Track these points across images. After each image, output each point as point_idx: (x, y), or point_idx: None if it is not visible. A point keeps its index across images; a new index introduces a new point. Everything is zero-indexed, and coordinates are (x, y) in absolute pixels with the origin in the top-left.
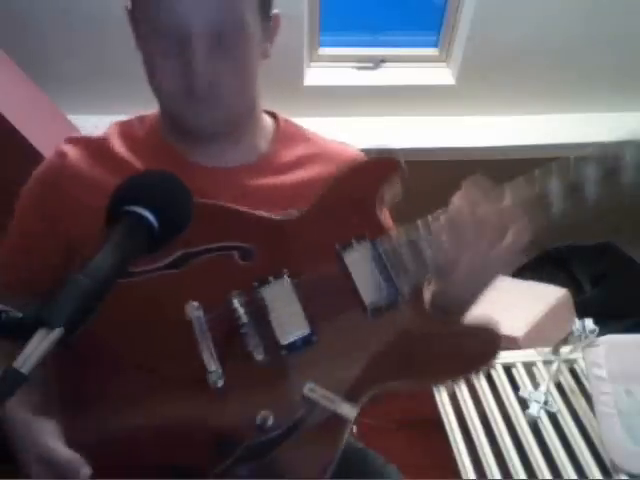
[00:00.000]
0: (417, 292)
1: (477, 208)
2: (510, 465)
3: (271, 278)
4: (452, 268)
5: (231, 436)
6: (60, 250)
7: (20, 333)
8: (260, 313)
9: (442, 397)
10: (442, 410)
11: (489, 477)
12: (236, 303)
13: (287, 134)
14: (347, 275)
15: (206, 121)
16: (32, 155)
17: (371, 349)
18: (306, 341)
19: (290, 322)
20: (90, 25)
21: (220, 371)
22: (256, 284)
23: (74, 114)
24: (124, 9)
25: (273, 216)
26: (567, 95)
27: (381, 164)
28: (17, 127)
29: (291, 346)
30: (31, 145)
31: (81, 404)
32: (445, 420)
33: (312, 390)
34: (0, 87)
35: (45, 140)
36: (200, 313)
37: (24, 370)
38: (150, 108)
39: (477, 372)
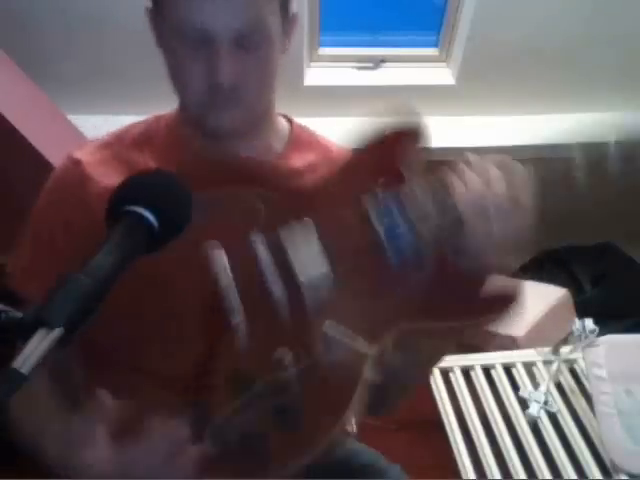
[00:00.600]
0: (438, 239)
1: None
2: (510, 465)
3: (292, 220)
4: (471, 215)
5: (250, 373)
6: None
7: (20, 333)
8: (280, 252)
9: (442, 397)
10: (442, 410)
11: (489, 477)
12: (255, 243)
13: (300, 139)
14: (369, 221)
15: (226, 121)
16: (32, 155)
17: (390, 292)
18: (325, 279)
19: (309, 262)
20: (90, 25)
21: (240, 308)
22: (277, 225)
23: (74, 114)
24: (144, 9)
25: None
26: (567, 95)
27: (404, 134)
28: (17, 127)
29: (310, 284)
30: (31, 145)
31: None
32: (445, 420)
33: (331, 328)
34: (0, 87)
35: (45, 140)
36: (221, 252)
37: (24, 370)
38: (150, 108)
39: (498, 317)
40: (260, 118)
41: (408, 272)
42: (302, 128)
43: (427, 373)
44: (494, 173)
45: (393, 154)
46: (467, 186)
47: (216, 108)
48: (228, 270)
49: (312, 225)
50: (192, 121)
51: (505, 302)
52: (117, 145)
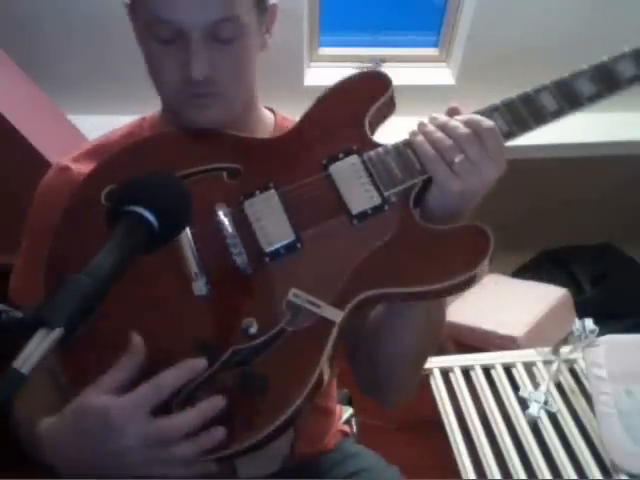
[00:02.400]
0: (404, 200)
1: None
2: (510, 465)
3: (257, 191)
4: (439, 172)
5: (217, 343)
6: None
7: (20, 333)
8: (245, 223)
9: (442, 397)
10: (442, 410)
11: (489, 477)
12: (221, 215)
13: (283, 129)
14: (333, 185)
15: (205, 117)
16: (32, 155)
17: (356, 256)
18: (290, 248)
19: (274, 230)
20: (90, 25)
21: (204, 279)
22: (242, 198)
23: (74, 114)
24: (123, 5)
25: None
26: None
27: (370, 80)
28: (17, 127)
29: (274, 253)
30: (31, 145)
31: None
32: (445, 420)
33: (296, 295)
34: (0, 87)
35: (45, 140)
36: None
37: (24, 370)
38: (150, 108)
39: (469, 274)
40: (241, 114)
41: (373, 235)
42: (285, 119)
43: (429, 345)
44: (462, 131)
45: (357, 101)
46: (435, 146)
47: (193, 105)
48: (191, 241)
49: (277, 194)
50: (174, 119)
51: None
52: (103, 149)
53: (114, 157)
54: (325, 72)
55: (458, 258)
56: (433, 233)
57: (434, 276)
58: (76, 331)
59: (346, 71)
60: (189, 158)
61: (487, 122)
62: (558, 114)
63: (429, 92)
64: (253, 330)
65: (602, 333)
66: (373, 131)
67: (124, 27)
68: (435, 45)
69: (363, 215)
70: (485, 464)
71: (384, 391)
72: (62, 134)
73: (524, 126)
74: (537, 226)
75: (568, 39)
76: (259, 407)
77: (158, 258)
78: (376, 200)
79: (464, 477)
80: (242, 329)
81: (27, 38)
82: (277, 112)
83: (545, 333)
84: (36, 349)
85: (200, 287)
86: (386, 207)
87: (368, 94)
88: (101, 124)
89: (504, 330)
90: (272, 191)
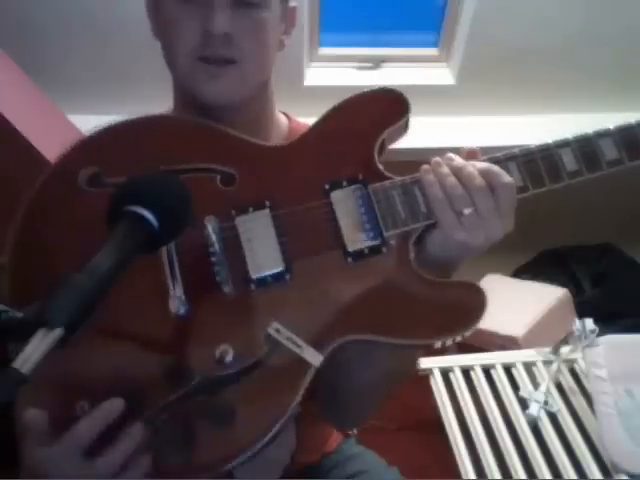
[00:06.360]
0: (403, 243)
1: (477, 163)
2: (510, 465)
3: (251, 208)
4: (445, 219)
5: (189, 367)
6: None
7: (20, 333)
8: (234, 243)
9: (442, 397)
10: (442, 410)
11: (489, 477)
12: (210, 229)
13: (297, 135)
14: (332, 215)
15: (217, 87)
16: (32, 155)
17: (345, 297)
18: (278, 278)
19: (264, 256)
20: (90, 26)
21: (183, 297)
22: (234, 212)
23: (74, 114)
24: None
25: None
26: (567, 95)
27: (390, 101)
28: (18, 127)
29: (261, 281)
30: (31, 145)
31: None
32: (445, 420)
33: (277, 330)
34: (1, 87)
35: (45, 140)
36: None
37: (24, 370)
38: (150, 108)
39: (459, 334)
40: (255, 101)
41: (366, 277)
42: (299, 124)
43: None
44: (479, 182)
45: (371, 121)
46: (446, 192)
47: (206, 73)
48: (174, 252)
49: (271, 217)
50: (187, 103)
51: (462, 323)
52: None
53: (99, 134)
54: (325, 72)
55: (452, 317)
56: (429, 285)
57: (424, 331)
58: (76, 331)
59: (346, 71)
60: (182, 151)
61: (506, 178)
62: (576, 175)
63: (429, 92)
64: (229, 359)
65: (602, 333)
66: (382, 153)
67: (124, 28)
68: (435, 45)
69: (359, 254)
70: (485, 464)
71: (340, 417)
72: (62, 134)
73: (540, 184)
74: (537, 226)
75: (568, 39)
76: (221, 441)
77: (136, 268)
78: (375, 240)
79: (464, 477)
80: (216, 356)
81: (28, 39)
82: (292, 117)
83: (545, 333)
84: (36, 349)
85: (177, 305)
86: (384, 249)
87: (384, 116)
88: (101, 124)
89: (504, 330)
90: (267, 211)
